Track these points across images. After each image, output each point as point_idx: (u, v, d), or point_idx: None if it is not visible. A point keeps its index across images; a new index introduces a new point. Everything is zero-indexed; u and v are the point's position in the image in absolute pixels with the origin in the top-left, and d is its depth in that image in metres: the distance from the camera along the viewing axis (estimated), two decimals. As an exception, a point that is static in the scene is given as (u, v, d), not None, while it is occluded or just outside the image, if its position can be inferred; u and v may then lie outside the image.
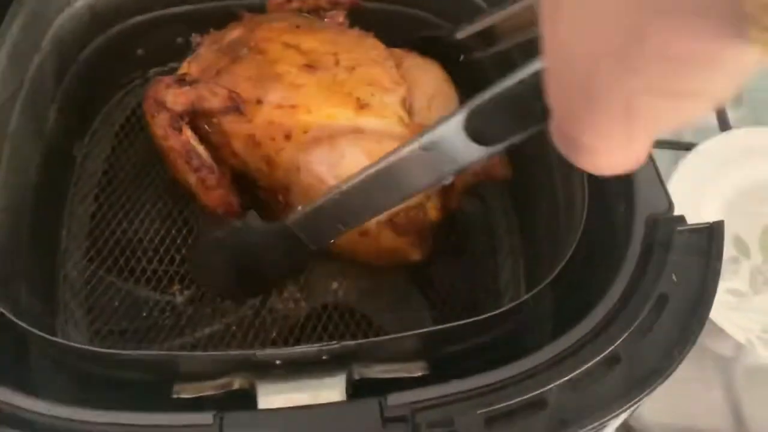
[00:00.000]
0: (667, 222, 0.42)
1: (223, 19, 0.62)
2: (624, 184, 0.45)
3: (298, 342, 0.56)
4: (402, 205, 0.50)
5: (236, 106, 0.50)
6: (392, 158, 0.39)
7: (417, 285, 0.61)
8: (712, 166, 0.73)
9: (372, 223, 0.50)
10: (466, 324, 0.40)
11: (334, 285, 0.60)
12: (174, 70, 0.60)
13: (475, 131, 0.35)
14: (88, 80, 0.64)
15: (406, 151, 0.38)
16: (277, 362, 0.39)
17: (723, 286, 0.66)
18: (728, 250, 0.68)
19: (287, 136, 0.50)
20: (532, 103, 0.31)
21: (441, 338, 0.42)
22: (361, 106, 0.51)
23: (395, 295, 0.61)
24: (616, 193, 0.46)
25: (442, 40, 0.60)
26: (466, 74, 0.58)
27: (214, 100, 0.50)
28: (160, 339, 0.56)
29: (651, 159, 0.46)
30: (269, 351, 0.38)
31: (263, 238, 0.48)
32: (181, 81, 0.52)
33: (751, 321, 0.69)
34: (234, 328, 0.56)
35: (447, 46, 0.59)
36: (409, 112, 0.53)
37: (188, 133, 0.52)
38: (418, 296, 0.61)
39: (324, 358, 0.39)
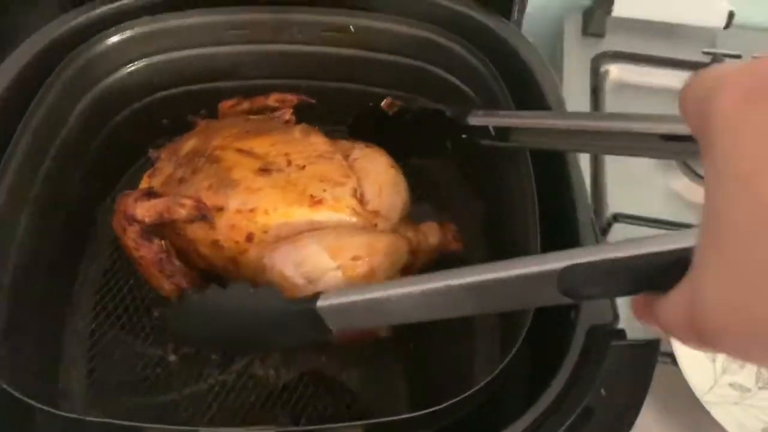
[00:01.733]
0: (605, 335, 0.44)
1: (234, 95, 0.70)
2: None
3: (273, 408, 0.59)
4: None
5: (203, 215, 0.54)
6: (474, 279, 0.37)
7: (398, 358, 0.64)
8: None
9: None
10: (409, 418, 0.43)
11: (319, 354, 0.63)
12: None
13: (564, 283, 0.34)
14: (113, 148, 0.70)
15: (492, 276, 0.36)
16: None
17: (727, 379, 0.65)
18: (737, 344, 0.68)
19: (249, 238, 0.54)
20: (645, 276, 0.30)
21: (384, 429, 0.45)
22: (316, 202, 0.54)
23: (377, 367, 0.64)
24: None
25: (447, 117, 0.62)
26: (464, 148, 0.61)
27: (182, 210, 0.54)
28: (151, 393, 0.61)
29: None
30: (212, 429, 0.41)
31: (276, 313, 0.48)
32: (149, 194, 0.56)
33: (753, 418, 0.68)
34: (217, 389, 0.61)
35: (452, 123, 0.61)
36: (361, 201, 0.56)
37: (158, 242, 0.56)
38: (397, 370, 0.64)
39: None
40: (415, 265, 0.58)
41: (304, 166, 0.57)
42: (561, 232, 0.53)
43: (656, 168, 0.84)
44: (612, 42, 0.96)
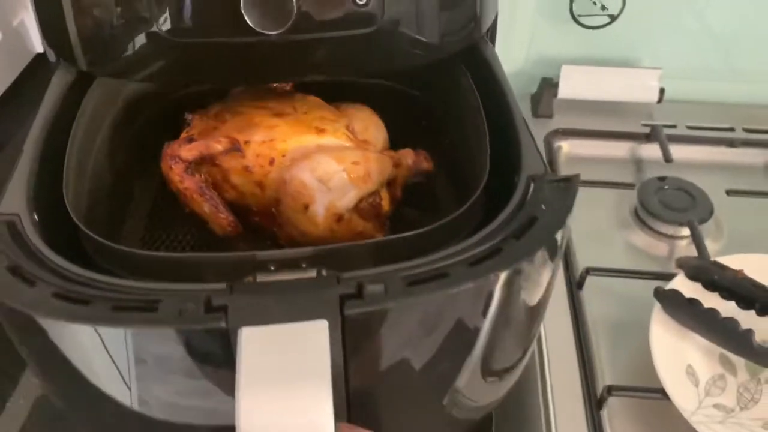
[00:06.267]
0: (540, 178, 0.61)
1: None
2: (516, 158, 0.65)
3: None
4: (365, 193, 0.70)
5: (237, 147, 0.71)
6: None
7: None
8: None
9: (344, 209, 0.69)
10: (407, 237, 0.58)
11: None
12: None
13: None
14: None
15: None
16: (271, 267, 0.56)
17: (710, 401, 0.71)
18: (716, 368, 0.74)
19: (271, 162, 0.71)
20: None
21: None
22: (320, 131, 0.73)
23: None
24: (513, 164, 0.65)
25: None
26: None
27: (218, 145, 0.72)
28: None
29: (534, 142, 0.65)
30: (268, 252, 0.55)
31: None
32: (190, 139, 0.74)
33: (737, 435, 0.71)
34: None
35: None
36: (353, 132, 0.76)
37: (198, 176, 0.73)
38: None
39: (303, 265, 0.57)
40: (398, 180, 0.75)
41: (306, 112, 0.76)
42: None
43: (616, 225, 0.96)
44: (561, 120, 1.07)
